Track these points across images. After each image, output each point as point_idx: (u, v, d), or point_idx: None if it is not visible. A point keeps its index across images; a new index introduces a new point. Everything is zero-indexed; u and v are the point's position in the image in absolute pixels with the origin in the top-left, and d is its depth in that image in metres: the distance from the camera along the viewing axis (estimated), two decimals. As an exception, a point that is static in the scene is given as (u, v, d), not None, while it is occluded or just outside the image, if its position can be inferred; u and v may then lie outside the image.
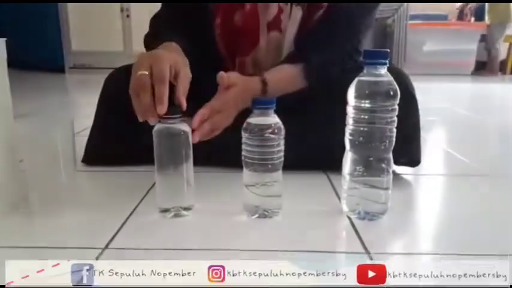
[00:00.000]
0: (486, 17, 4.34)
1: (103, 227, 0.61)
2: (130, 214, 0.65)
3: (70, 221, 0.63)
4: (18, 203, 0.66)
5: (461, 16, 4.84)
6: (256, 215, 0.64)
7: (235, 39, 0.85)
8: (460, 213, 0.70)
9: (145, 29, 0.85)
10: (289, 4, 0.82)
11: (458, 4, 4.87)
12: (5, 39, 0.65)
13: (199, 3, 0.85)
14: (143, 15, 3.64)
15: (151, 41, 0.77)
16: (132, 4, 3.72)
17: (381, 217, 0.63)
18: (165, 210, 0.64)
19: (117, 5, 3.76)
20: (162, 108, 0.58)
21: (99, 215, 0.66)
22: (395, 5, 4.23)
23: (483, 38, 4.38)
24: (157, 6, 0.89)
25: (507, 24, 4.22)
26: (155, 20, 0.87)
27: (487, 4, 4.39)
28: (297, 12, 0.83)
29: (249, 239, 0.59)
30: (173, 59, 0.64)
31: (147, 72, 0.60)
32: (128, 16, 3.78)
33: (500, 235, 0.61)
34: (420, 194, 0.82)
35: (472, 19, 4.71)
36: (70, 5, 3.74)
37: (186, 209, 0.65)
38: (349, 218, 0.64)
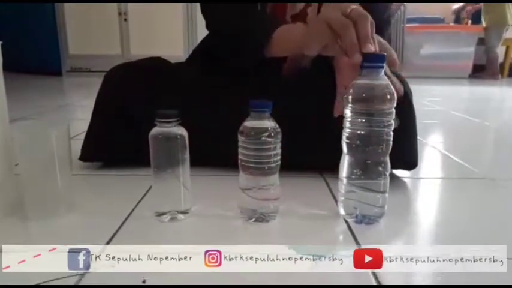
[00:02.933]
0: (482, 20, 4.33)
1: (99, 231, 0.60)
2: (127, 218, 0.65)
3: (65, 225, 0.63)
4: (13, 207, 0.65)
5: (458, 19, 4.85)
6: (253, 219, 0.63)
7: None
8: (457, 217, 0.70)
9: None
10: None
11: (455, 7, 4.87)
12: (1, 42, 0.65)
13: None
14: (141, 19, 3.67)
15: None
16: (129, 8, 3.72)
17: (378, 221, 0.63)
18: (162, 214, 0.64)
19: (115, 9, 3.75)
20: (370, 47, 0.62)
21: (95, 218, 0.65)
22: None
23: (480, 41, 4.38)
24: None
25: (504, 27, 4.22)
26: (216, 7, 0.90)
27: (482, 6, 4.38)
28: None
29: (245, 243, 0.59)
30: None
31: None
32: (125, 20, 3.77)
33: (499, 238, 0.61)
34: (418, 197, 0.82)
35: (469, 22, 4.72)
36: (67, 8, 3.74)
37: (182, 212, 0.64)
38: (346, 222, 0.64)
